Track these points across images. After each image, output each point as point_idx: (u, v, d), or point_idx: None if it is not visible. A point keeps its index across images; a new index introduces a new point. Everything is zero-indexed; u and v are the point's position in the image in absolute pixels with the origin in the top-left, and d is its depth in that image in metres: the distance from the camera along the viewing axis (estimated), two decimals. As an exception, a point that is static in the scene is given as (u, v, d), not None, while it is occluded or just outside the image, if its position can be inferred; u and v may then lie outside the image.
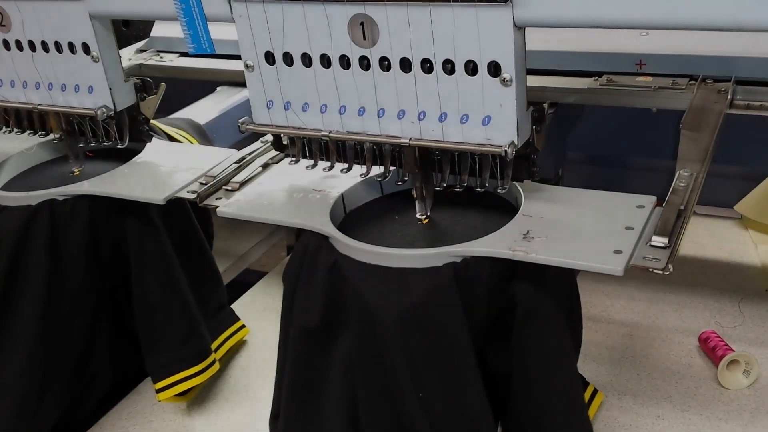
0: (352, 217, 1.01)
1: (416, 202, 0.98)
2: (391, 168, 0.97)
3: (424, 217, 0.98)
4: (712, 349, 1.19)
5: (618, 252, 0.81)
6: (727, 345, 1.18)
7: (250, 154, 1.14)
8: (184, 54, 1.50)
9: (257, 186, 1.06)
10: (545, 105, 0.90)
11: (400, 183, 0.99)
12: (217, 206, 1.03)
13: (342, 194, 1.01)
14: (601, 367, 1.22)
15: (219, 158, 1.14)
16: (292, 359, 0.95)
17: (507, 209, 0.97)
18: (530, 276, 0.88)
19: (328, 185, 1.03)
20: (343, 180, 1.03)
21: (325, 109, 0.97)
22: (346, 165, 1.01)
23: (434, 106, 0.89)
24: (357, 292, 0.87)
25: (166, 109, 1.41)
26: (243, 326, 1.37)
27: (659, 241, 0.82)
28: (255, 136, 1.19)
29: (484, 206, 0.97)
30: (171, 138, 1.30)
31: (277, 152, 1.10)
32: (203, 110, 1.45)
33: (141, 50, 1.53)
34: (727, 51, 1.15)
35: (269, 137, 1.16)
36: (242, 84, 1.55)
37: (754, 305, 1.32)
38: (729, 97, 1.09)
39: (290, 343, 0.95)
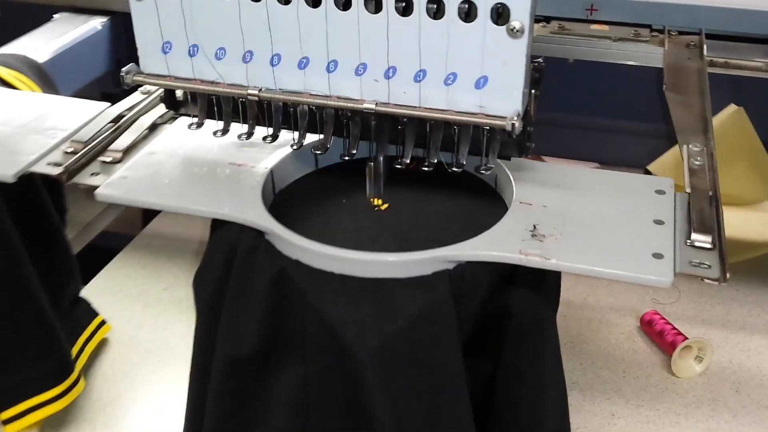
0: (284, 201, 0.77)
1: (370, 183, 0.76)
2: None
3: (382, 202, 0.76)
4: (658, 334, 1.08)
5: (658, 256, 0.64)
6: (675, 328, 1.07)
7: (129, 110, 0.86)
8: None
9: (148, 156, 0.79)
10: (541, 60, 0.71)
11: (347, 158, 0.76)
12: (94, 186, 0.75)
13: (271, 170, 0.76)
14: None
15: (86, 115, 0.85)
16: (216, 397, 0.71)
17: (482, 191, 0.77)
18: (530, 282, 0.70)
19: (247, 157, 0.78)
20: (264, 150, 0.79)
21: (250, 57, 0.72)
22: (269, 130, 0.77)
23: (410, 61, 0.67)
24: (317, 314, 0.65)
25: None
26: (103, 322, 1.09)
27: (702, 240, 0.66)
28: (106, 83, 0.92)
29: (450, 186, 0.77)
30: (4, 83, 0.98)
31: (168, 110, 0.83)
32: (39, 44, 1.12)
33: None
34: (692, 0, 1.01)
35: (151, 87, 0.89)
36: (88, 11, 1.25)
37: (686, 277, 1.22)
38: (705, 52, 0.95)
39: (213, 374, 0.71)
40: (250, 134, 0.77)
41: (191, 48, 0.73)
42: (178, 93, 0.79)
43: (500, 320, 0.70)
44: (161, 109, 0.86)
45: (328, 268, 0.65)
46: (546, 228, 0.67)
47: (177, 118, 0.85)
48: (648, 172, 1.43)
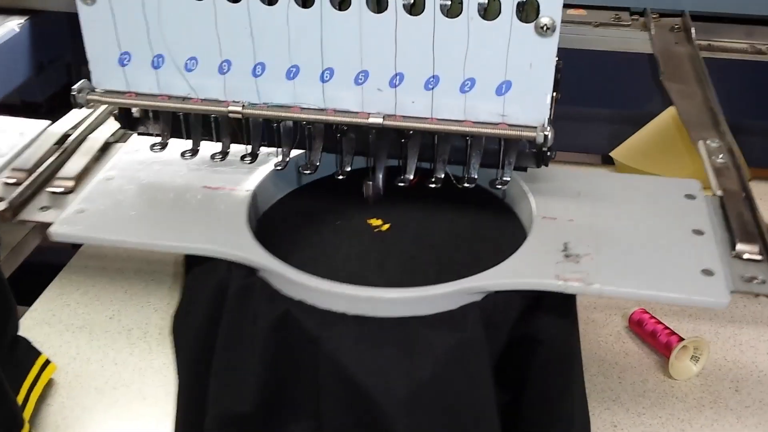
0: (269, 227, 0.67)
1: (367, 201, 0.67)
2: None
3: (382, 221, 0.67)
4: (651, 335, 1.03)
5: (708, 273, 0.58)
6: (666, 328, 1.02)
7: (75, 127, 0.74)
8: None
9: (105, 183, 0.68)
10: (559, 59, 0.63)
11: (341, 177, 0.67)
12: (46, 223, 0.64)
13: (254, 192, 0.67)
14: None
15: (23, 136, 0.73)
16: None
17: (489, 204, 0.70)
18: (557, 306, 0.63)
19: (223, 179, 0.68)
20: (240, 168, 0.69)
21: (228, 68, 0.62)
22: (246, 148, 0.67)
23: (420, 66, 0.58)
24: (332, 363, 0.56)
25: None
26: (48, 362, 0.97)
27: (749, 251, 0.60)
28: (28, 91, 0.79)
29: (454, 200, 0.69)
30: None
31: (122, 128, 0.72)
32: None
33: None
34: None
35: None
36: (4, 10, 1.10)
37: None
38: (693, 35, 0.90)
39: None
40: (225, 154, 0.67)
41: (156, 59, 0.62)
42: (135, 110, 0.69)
43: (526, 348, 0.63)
44: (113, 124, 0.75)
45: (340, 309, 0.57)
46: (579, 246, 0.60)
47: (130, 136, 0.74)
48: (610, 159, 1.39)
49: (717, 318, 1.08)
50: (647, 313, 1.05)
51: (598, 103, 1.33)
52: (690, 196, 0.66)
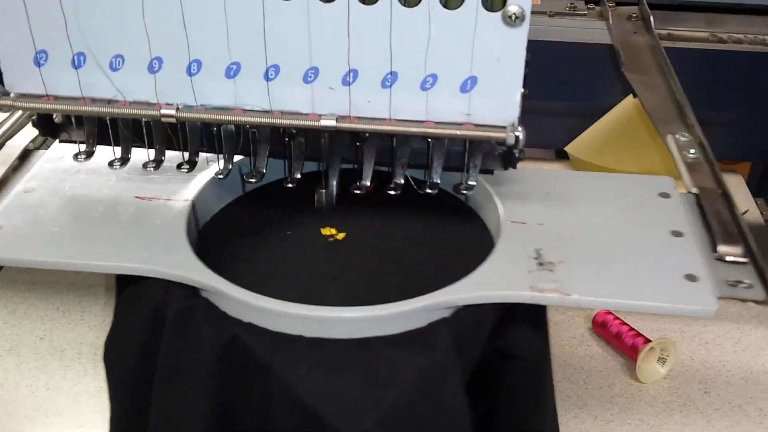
0: (211, 239, 0.60)
1: (320, 210, 0.61)
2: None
3: (336, 231, 0.61)
4: (615, 336, 0.99)
5: (692, 278, 0.54)
6: (631, 329, 0.98)
7: (-13, 136, 0.67)
8: None
9: (24, 196, 0.60)
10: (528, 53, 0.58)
11: (290, 185, 0.60)
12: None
13: (192, 202, 0.60)
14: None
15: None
16: None
17: (449, 206, 0.64)
18: (530, 317, 0.58)
19: (157, 188, 0.61)
20: (176, 176, 0.62)
21: (159, 66, 0.55)
22: (184, 154, 0.60)
23: (376, 61, 0.53)
24: (287, 392, 0.50)
25: None
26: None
27: (732, 253, 0.56)
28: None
29: (411, 203, 0.63)
30: None
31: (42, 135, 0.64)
32: None
33: None
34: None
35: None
36: None
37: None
38: (652, 24, 0.86)
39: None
40: (159, 162, 0.61)
41: (76, 57, 0.55)
42: (56, 115, 0.61)
43: (497, 364, 0.58)
44: (32, 130, 0.67)
45: (295, 331, 0.51)
46: (551, 253, 0.55)
47: (51, 143, 0.67)
48: (565, 154, 1.35)
49: (681, 316, 1.05)
50: (611, 314, 1.01)
51: (552, 96, 1.29)
52: (664, 195, 0.62)
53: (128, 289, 0.57)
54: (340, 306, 0.51)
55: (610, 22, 0.85)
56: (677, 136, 0.68)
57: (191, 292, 0.53)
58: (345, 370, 0.50)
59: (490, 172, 0.60)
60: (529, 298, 0.52)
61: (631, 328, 0.99)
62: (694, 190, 0.62)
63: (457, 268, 0.56)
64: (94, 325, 1.02)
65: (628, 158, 1.31)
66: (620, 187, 0.63)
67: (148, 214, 0.58)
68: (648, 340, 0.96)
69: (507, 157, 0.59)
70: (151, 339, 0.54)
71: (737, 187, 1.18)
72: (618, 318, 1.01)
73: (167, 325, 0.53)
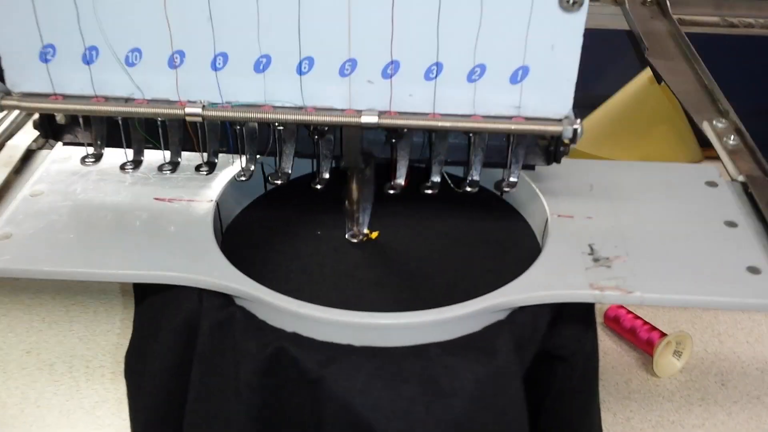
0: (237, 241, 0.56)
1: (349, 212, 0.57)
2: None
3: (369, 230, 0.57)
4: (630, 331, 0.96)
5: (754, 271, 0.51)
6: (646, 323, 0.96)
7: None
8: None
9: (33, 201, 0.55)
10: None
11: (319, 186, 0.56)
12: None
13: (217, 203, 0.55)
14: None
15: None
16: None
17: (484, 199, 0.61)
18: (579, 318, 0.55)
19: (176, 188, 0.57)
20: (194, 175, 0.58)
21: (181, 60, 0.50)
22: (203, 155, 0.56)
23: (420, 52, 0.49)
24: (341, 407, 0.46)
25: None
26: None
27: (791, 244, 0.54)
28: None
29: (443, 197, 0.59)
30: None
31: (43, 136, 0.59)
32: None
33: None
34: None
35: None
36: None
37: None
38: (669, 9, 0.83)
39: None
40: (175, 165, 0.56)
41: (88, 51, 0.50)
42: (59, 116, 0.56)
43: (545, 365, 0.55)
44: (29, 131, 0.62)
45: (344, 340, 0.47)
46: (606, 248, 0.52)
47: (54, 144, 0.62)
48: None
49: (691, 308, 1.03)
50: (623, 308, 0.99)
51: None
52: (711, 183, 0.60)
53: (152, 299, 0.52)
54: (385, 311, 0.47)
55: (626, 6, 0.82)
56: (714, 122, 0.65)
57: (226, 300, 0.49)
58: (403, 380, 0.46)
59: (532, 167, 0.57)
60: (590, 297, 0.49)
61: (645, 322, 0.97)
62: (741, 178, 0.60)
63: (501, 266, 0.53)
64: (84, 336, 0.97)
65: (625, 148, 1.29)
66: (665, 177, 0.60)
67: (170, 216, 0.54)
68: (663, 334, 0.94)
69: (551, 151, 0.55)
70: (183, 354, 0.50)
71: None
72: (631, 312, 0.98)
73: (202, 337, 0.49)
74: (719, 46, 0.95)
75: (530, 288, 0.49)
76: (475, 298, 0.48)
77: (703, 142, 1.19)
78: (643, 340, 0.95)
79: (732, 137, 0.64)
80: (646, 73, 1.22)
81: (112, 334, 0.99)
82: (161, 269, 0.49)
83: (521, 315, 0.49)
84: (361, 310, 0.47)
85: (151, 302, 0.52)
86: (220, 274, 0.48)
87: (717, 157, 1.26)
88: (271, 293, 0.47)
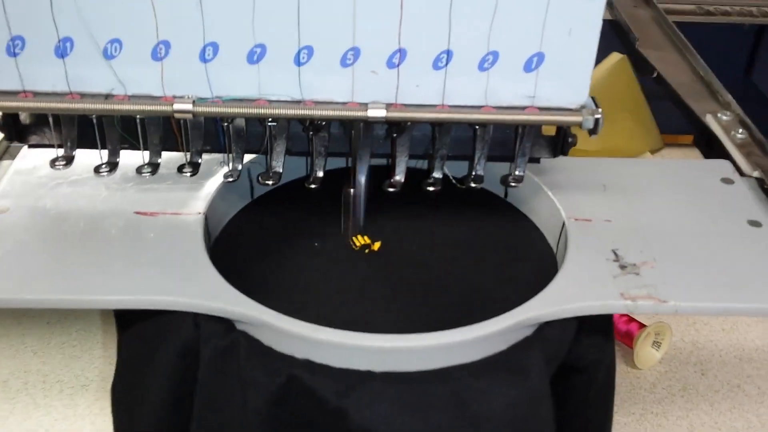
0: (227, 255, 0.52)
1: (347, 215, 0.53)
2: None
3: (371, 240, 0.53)
4: (607, 322, 0.95)
5: (787, 276, 0.49)
6: (624, 315, 0.95)
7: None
8: None
9: (-3, 219, 0.50)
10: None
11: (313, 186, 0.52)
12: None
13: (205, 215, 0.51)
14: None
15: None
16: None
17: (489, 203, 0.58)
18: (597, 328, 0.52)
19: (159, 199, 0.52)
20: (177, 183, 0.53)
21: (166, 51, 0.46)
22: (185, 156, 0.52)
23: (429, 39, 0.45)
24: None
25: None
26: None
27: (817, 245, 0.52)
28: None
29: (443, 200, 0.56)
30: None
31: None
32: None
33: None
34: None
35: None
36: None
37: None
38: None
39: None
40: (155, 166, 0.51)
41: (61, 43, 0.45)
42: (23, 115, 0.51)
43: (564, 376, 0.52)
44: (-12, 136, 0.57)
45: (363, 366, 0.43)
46: (631, 254, 0.50)
47: (19, 149, 0.56)
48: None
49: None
50: (598, 299, 0.98)
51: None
52: (727, 180, 0.58)
53: (140, 325, 0.48)
54: (402, 332, 0.43)
55: (607, -6, 0.80)
56: (719, 115, 0.63)
57: (226, 325, 0.45)
58: (431, 407, 0.42)
59: (537, 160, 0.54)
60: (623, 308, 0.46)
61: (622, 314, 0.95)
62: (756, 174, 0.58)
63: (518, 275, 0.50)
64: (39, 350, 0.91)
65: (589, 141, 1.28)
66: (680, 174, 0.58)
67: (154, 232, 0.49)
68: (642, 325, 0.93)
69: (557, 143, 0.53)
70: (183, 384, 0.45)
71: None
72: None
73: (203, 368, 0.44)
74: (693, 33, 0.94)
75: (560, 300, 0.45)
76: (496, 312, 0.44)
77: (663, 129, 1.19)
78: (621, 332, 0.93)
79: (740, 131, 0.62)
80: (607, 62, 1.21)
81: (68, 346, 0.93)
82: (153, 293, 0.44)
83: (549, 330, 0.46)
84: (375, 331, 0.43)
85: (140, 329, 0.47)
86: (220, 298, 0.44)
87: (678, 144, 1.27)
88: (280, 317, 0.43)
